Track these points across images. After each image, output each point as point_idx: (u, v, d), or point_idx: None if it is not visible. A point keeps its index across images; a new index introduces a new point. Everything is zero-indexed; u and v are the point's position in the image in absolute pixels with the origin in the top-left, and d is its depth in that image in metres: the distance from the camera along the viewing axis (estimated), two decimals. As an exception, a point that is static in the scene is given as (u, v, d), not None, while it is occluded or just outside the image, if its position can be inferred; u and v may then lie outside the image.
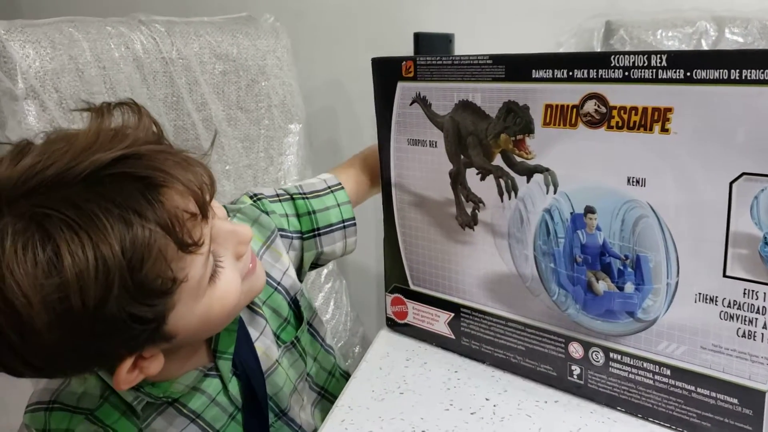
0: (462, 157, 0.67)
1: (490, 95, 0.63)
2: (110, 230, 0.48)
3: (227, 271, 0.60)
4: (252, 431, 0.73)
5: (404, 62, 0.69)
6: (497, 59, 0.62)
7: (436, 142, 0.69)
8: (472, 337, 0.71)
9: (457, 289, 0.72)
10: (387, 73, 0.71)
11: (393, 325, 0.80)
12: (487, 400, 0.66)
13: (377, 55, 0.67)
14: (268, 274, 0.74)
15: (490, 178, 0.65)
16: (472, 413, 0.64)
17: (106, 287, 0.48)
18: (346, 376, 0.87)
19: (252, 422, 0.73)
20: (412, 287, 0.76)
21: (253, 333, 0.72)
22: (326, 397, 0.84)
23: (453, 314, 0.73)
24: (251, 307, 0.72)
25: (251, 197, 0.79)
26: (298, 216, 0.80)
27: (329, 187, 0.83)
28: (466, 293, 0.71)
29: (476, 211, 0.67)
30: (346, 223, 0.82)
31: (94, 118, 0.56)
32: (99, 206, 0.49)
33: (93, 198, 0.49)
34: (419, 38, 0.72)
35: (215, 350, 0.69)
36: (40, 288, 0.47)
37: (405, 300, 0.77)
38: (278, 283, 0.76)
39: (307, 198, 0.81)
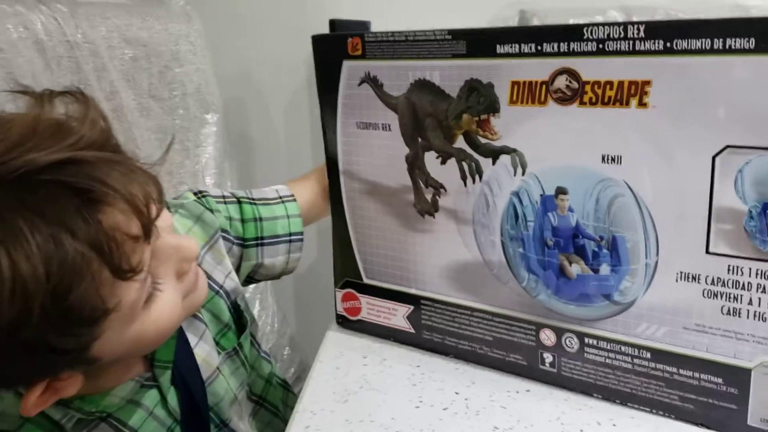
0: (420, 140, 0.63)
1: (449, 73, 0.59)
2: (35, 249, 0.42)
3: (166, 294, 0.54)
4: None
5: (350, 39, 0.64)
6: (457, 34, 0.58)
7: (389, 125, 0.65)
8: (435, 329, 0.68)
9: (416, 280, 0.68)
10: (330, 52, 0.66)
11: (344, 322, 0.75)
12: (457, 393, 0.62)
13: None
14: (210, 276, 0.68)
15: (452, 161, 0.62)
16: (444, 409, 0.60)
17: (24, 312, 0.42)
18: (284, 384, 0.83)
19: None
20: (366, 281, 0.72)
21: (192, 338, 0.66)
22: (264, 406, 0.78)
23: (413, 307, 0.69)
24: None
25: (195, 193, 0.72)
26: (243, 221, 0.74)
27: (280, 197, 0.77)
28: (426, 284, 0.67)
29: (437, 197, 0.63)
30: (292, 237, 0.76)
31: (32, 106, 0.49)
32: (25, 219, 0.42)
33: (20, 207, 0.42)
34: (335, 25, 0.68)
35: (152, 359, 0.62)
36: None
37: (358, 295, 0.73)
38: (220, 287, 0.70)
39: (256, 204, 0.75)
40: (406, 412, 0.60)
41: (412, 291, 0.68)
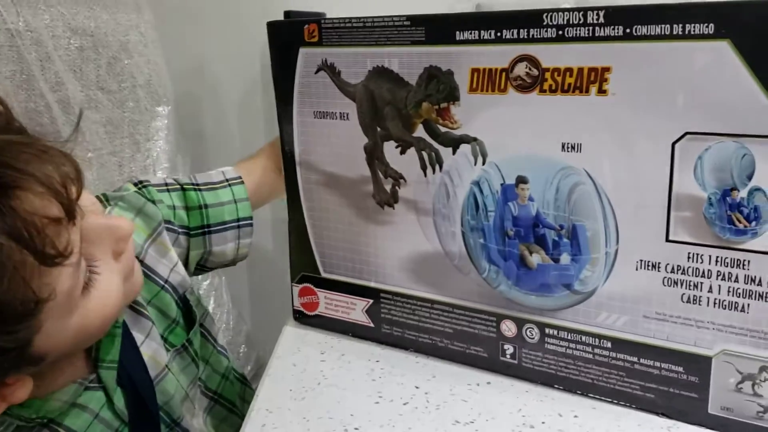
0: (378, 129, 0.62)
1: (408, 60, 0.58)
2: None
3: (105, 276, 0.51)
4: None
5: (307, 25, 0.63)
6: (416, 20, 0.57)
7: (347, 114, 0.63)
8: (394, 323, 0.66)
9: (376, 273, 0.66)
10: (286, 39, 0.64)
11: (301, 317, 0.73)
12: (417, 388, 0.61)
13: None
14: (153, 271, 0.66)
15: (412, 151, 0.60)
16: (404, 404, 0.59)
17: None
18: (242, 378, 0.80)
19: None
20: (324, 275, 0.70)
21: (138, 336, 0.63)
22: (220, 402, 0.76)
23: (372, 301, 0.67)
24: (135, 308, 0.63)
25: (135, 184, 0.69)
26: (187, 209, 0.71)
27: (227, 180, 0.73)
28: (386, 277, 0.66)
29: (396, 187, 0.62)
30: (240, 223, 0.73)
31: None
32: None
33: None
34: (290, 16, 0.67)
35: (96, 359, 0.59)
36: None
37: (315, 289, 0.71)
38: (165, 281, 0.67)
39: (200, 190, 0.72)
40: (366, 408, 0.59)
41: (372, 284, 0.67)
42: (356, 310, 0.69)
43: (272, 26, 0.65)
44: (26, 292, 0.43)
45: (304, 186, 0.68)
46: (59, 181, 0.45)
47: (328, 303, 0.71)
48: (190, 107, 1.16)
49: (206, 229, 0.71)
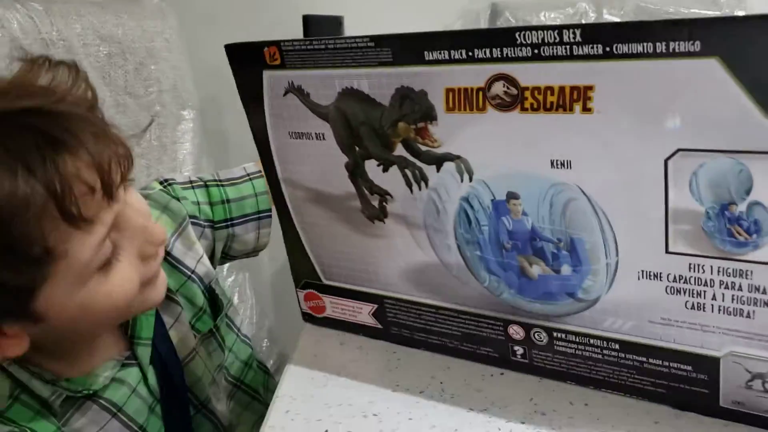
0: (357, 148, 0.59)
1: (378, 81, 0.55)
2: None
3: (124, 267, 0.55)
4: (172, 425, 0.69)
5: (266, 48, 0.59)
6: (380, 41, 0.53)
7: (323, 134, 0.60)
8: (402, 326, 0.67)
9: (377, 281, 0.66)
10: (248, 62, 0.61)
11: (310, 319, 0.74)
12: (432, 378, 0.63)
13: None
14: (180, 262, 0.71)
15: (394, 168, 0.58)
16: (420, 392, 0.61)
17: None
18: (263, 367, 0.84)
19: (172, 415, 0.69)
20: (325, 282, 0.70)
21: (168, 320, 0.69)
22: (242, 389, 0.80)
23: (377, 305, 0.67)
24: (166, 294, 0.66)
25: (161, 182, 0.73)
26: (211, 204, 0.75)
27: (248, 175, 0.78)
28: (388, 285, 0.65)
29: (384, 203, 0.60)
30: (261, 215, 0.77)
31: (23, 69, 0.53)
32: None
33: None
34: (308, 21, 0.63)
35: (132, 336, 0.65)
36: None
37: (320, 294, 0.71)
38: (192, 272, 0.72)
39: (223, 185, 0.76)
40: (384, 396, 0.61)
41: (374, 291, 0.67)
42: (363, 314, 0.69)
43: (231, 49, 0.61)
44: (42, 238, 0.47)
45: (292, 202, 0.67)
46: (106, 159, 0.50)
47: (335, 307, 0.71)
48: (214, 110, 1.18)
49: (229, 222, 0.76)
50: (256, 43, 0.59)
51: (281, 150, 0.64)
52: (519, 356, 0.61)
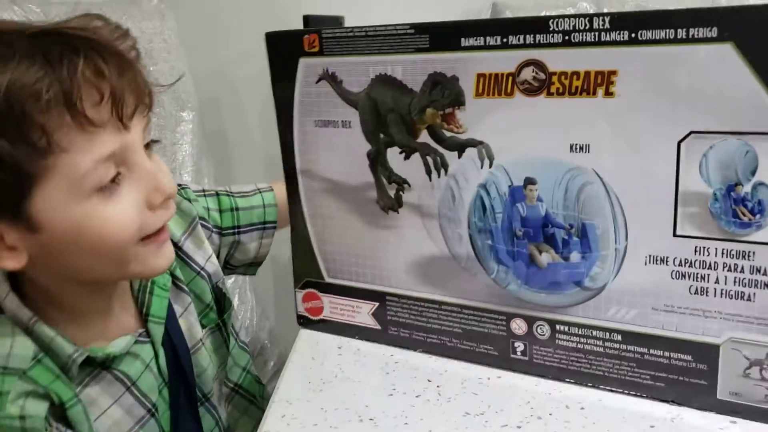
0: (382, 136, 0.63)
1: (412, 68, 0.59)
2: (14, 62, 0.51)
3: (125, 201, 0.56)
4: (178, 410, 0.70)
5: (307, 35, 0.63)
6: (420, 28, 0.58)
7: (349, 122, 0.64)
8: (401, 325, 0.67)
9: (381, 276, 0.67)
10: (285, 49, 0.65)
11: (306, 322, 0.74)
12: (429, 381, 0.63)
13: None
14: (191, 258, 0.73)
15: (416, 156, 0.61)
16: (417, 396, 0.61)
17: None
18: (258, 380, 0.84)
19: (178, 401, 0.70)
20: (328, 280, 0.70)
21: (177, 309, 0.71)
22: (240, 393, 0.80)
23: (377, 304, 0.68)
24: (177, 284, 0.71)
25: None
26: (220, 211, 0.78)
27: (258, 189, 0.81)
28: (392, 280, 0.66)
29: (400, 192, 0.63)
30: (266, 225, 0.79)
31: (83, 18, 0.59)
32: (20, 46, 0.52)
33: (22, 38, 0.53)
34: (308, 21, 0.68)
35: (146, 315, 0.67)
36: None
37: (319, 294, 0.72)
38: (201, 268, 0.74)
39: (233, 196, 0.79)
40: (380, 400, 0.60)
41: (377, 288, 0.68)
42: (362, 314, 0.70)
43: (271, 37, 0.65)
44: (48, 128, 0.51)
45: (307, 194, 0.69)
46: (123, 82, 0.54)
47: (333, 307, 0.71)
48: (213, 112, 1.18)
49: (236, 229, 0.78)
50: (296, 31, 0.64)
51: (304, 139, 0.67)
52: (519, 353, 0.62)
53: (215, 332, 0.74)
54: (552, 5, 0.93)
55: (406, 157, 0.62)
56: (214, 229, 0.77)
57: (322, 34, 0.62)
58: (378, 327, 0.69)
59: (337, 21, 0.75)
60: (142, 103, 0.57)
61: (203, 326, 0.73)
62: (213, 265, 0.74)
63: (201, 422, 0.72)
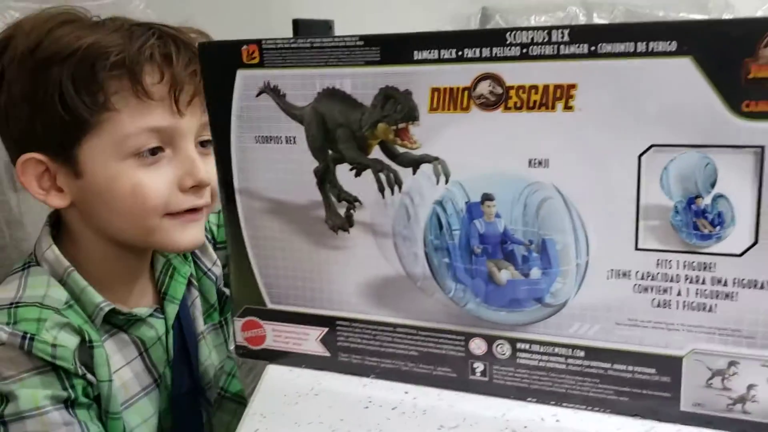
0: (330, 152, 0.60)
1: (362, 81, 0.56)
2: (104, 30, 0.65)
3: (158, 174, 0.66)
4: (179, 393, 0.76)
5: (246, 46, 0.59)
6: (370, 40, 0.55)
7: (294, 138, 0.60)
8: (353, 350, 0.64)
9: (330, 300, 0.64)
10: (221, 61, 0.60)
11: (246, 353, 0.69)
12: (406, 393, 0.61)
13: None
14: (200, 259, 0.81)
15: (367, 173, 0.59)
16: (393, 408, 0.59)
17: (68, 50, 0.63)
18: (241, 392, 0.87)
19: (181, 382, 0.76)
20: (270, 306, 0.66)
21: (188, 299, 0.79)
22: (227, 397, 0.85)
23: (327, 329, 0.65)
24: (189, 278, 0.79)
25: None
26: (218, 226, 0.85)
27: None
28: (342, 304, 0.63)
29: (351, 211, 0.60)
30: None
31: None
32: (121, 25, 0.66)
33: (125, 23, 0.67)
34: (298, 24, 0.66)
35: (165, 294, 0.76)
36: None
37: (261, 322, 0.67)
38: (208, 269, 0.82)
39: None
40: (356, 413, 0.59)
41: (326, 312, 0.64)
42: (309, 341, 0.66)
43: (205, 48, 0.61)
44: (108, 87, 0.63)
45: (246, 215, 0.64)
46: (186, 74, 0.65)
47: (277, 335, 0.67)
48: None
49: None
50: (234, 42, 0.60)
51: (243, 156, 0.62)
52: (479, 374, 0.60)
53: (217, 329, 0.82)
54: (542, 10, 0.93)
55: (357, 174, 0.59)
56: (212, 242, 0.84)
57: (263, 45, 0.58)
58: (327, 354, 0.65)
59: (326, 25, 0.73)
60: (200, 95, 0.65)
61: (205, 322, 0.81)
62: (218, 269, 0.82)
63: (200, 410, 0.79)
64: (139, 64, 0.62)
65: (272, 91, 0.59)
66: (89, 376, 0.66)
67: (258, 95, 0.60)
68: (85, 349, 0.66)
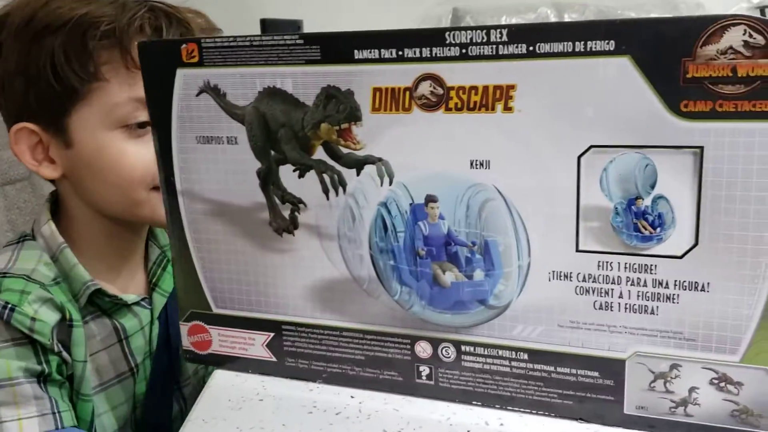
0: (273, 153, 0.58)
1: (303, 80, 0.55)
2: (100, 2, 0.66)
3: (145, 146, 0.67)
4: (155, 383, 0.77)
5: (185, 45, 0.58)
6: (310, 39, 0.54)
7: (236, 138, 0.59)
8: (299, 355, 0.63)
9: (276, 304, 0.62)
10: (161, 60, 0.59)
11: (193, 357, 0.68)
12: (352, 398, 0.61)
13: None
14: None
15: (311, 174, 0.58)
16: (337, 413, 0.58)
17: (60, 20, 0.65)
18: None
19: (158, 373, 0.77)
20: (216, 310, 0.65)
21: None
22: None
23: (272, 334, 0.64)
24: None
25: None
26: None
27: None
28: (288, 308, 0.62)
29: (296, 213, 0.59)
30: None
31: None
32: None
33: None
34: (266, 24, 0.66)
35: (155, 285, 0.78)
36: None
37: (207, 327, 0.66)
38: None
39: None
40: (299, 418, 0.58)
41: (272, 317, 0.63)
42: (255, 345, 0.65)
43: (144, 47, 0.59)
44: (98, 57, 0.65)
45: (189, 217, 0.63)
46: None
47: (223, 340, 0.66)
48: None
49: None
50: (173, 40, 0.58)
51: (185, 157, 0.61)
52: (424, 377, 0.59)
53: None
54: (513, 10, 0.93)
55: (301, 175, 0.58)
56: None
57: (202, 44, 0.57)
58: (273, 359, 0.64)
59: (295, 25, 0.73)
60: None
61: None
62: None
63: (172, 404, 0.80)
64: (129, 35, 0.64)
65: (212, 91, 0.58)
66: (65, 354, 0.66)
67: (198, 95, 0.59)
68: (65, 327, 0.67)
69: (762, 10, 0.81)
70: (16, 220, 1.07)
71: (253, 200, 0.60)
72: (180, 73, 0.59)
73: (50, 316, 0.65)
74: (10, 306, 0.63)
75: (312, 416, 0.58)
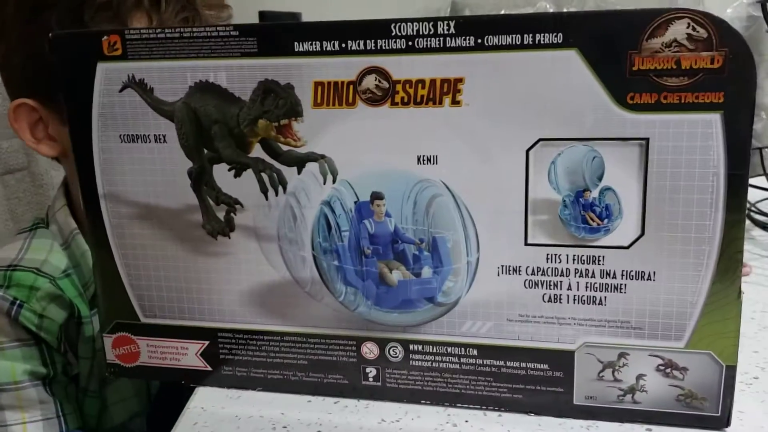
0: (206, 151, 0.55)
1: (239, 74, 0.52)
2: None
3: None
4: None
5: (106, 37, 0.53)
6: (246, 30, 0.51)
7: (164, 136, 0.55)
8: (237, 363, 0.60)
9: (211, 311, 0.59)
10: (78, 53, 0.54)
11: (118, 372, 0.63)
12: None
13: None
14: None
15: (248, 173, 0.55)
16: (335, 403, 0.58)
17: None
18: None
19: None
20: (144, 320, 0.61)
21: None
22: None
23: (207, 342, 0.60)
24: None
25: None
26: None
27: None
28: (224, 314, 0.59)
29: (232, 214, 0.56)
30: None
31: None
32: None
33: None
34: (264, 17, 0.62)
35: None
36: None
37: (134, 338, 0.62)
38: None
39: None
40: (297, 407, 0.57)
41: (206, 324, 0.60)
42: (188, 355, 0.61)
43: (58, 39, 0.54)
44: (91, 25, 0.66)
45: (113, 222, 0.58)
46: (174, 22, 0.70)
47: (152, 351, 0.62)
48: None
49: None
50: (93, 32, 0.54)
51: (106, 158, 0.57)
52: (371, 379, 0.58)
53: None
54: (512, 4, 0.92)
55: (237, 175, 0.55)
56: None
57: (126, 36, 0.53)
58: (208, 368, 0.61)
59: (293, 17, 0.69)
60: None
61: None
62: None
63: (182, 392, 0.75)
64: (126, 7, 0.65)
65: (138, 86, 0.54)
66: (70, 355, 0.67)
67: (122, 90, 0.54)
68: (73, 324, 0.67)
69: (763, 4, 0.84)
70: (15, 209, 1.04)
71: (183, 202, 0.56)
72: (101, 67, 0.54)
73: (58, 315, 0.65)
74: (18, 302, 0.63)
75: (311, 405, 0.58)
